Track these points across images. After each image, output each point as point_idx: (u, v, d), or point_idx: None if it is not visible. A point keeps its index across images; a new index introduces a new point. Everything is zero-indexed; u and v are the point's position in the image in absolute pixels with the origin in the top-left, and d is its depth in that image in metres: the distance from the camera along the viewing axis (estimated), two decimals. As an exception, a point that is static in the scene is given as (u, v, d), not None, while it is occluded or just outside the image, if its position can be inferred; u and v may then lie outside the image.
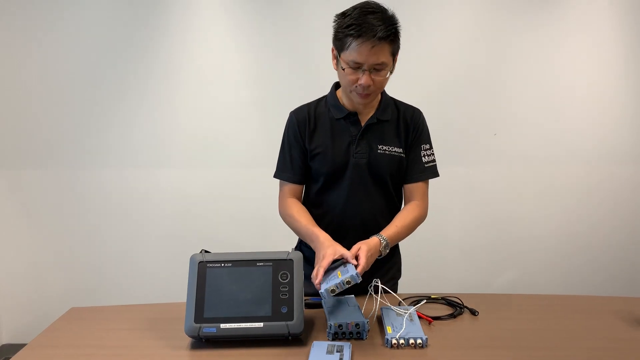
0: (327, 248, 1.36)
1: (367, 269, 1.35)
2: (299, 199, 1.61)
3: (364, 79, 1.39)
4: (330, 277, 1.30)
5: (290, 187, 1.59)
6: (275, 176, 1.62)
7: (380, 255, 1.44)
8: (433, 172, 1.60)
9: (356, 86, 1.42)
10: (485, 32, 2.73)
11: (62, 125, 2.78)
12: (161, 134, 2.79)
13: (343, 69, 1.41)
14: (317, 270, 1.31)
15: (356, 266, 1.30)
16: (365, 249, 1.35)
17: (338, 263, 1.36)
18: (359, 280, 1.25)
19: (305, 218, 1.53)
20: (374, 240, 1.42)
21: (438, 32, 2.73)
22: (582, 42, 2.73)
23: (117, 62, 2.73)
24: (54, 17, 2.70)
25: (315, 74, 2.59)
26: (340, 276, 1.26)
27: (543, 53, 2.73)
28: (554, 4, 2.70)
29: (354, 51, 1.36)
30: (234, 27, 2.73)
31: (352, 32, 1.35)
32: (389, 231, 1.48)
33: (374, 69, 1.39)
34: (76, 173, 2.81)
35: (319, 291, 1.27)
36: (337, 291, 1.24)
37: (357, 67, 1.39)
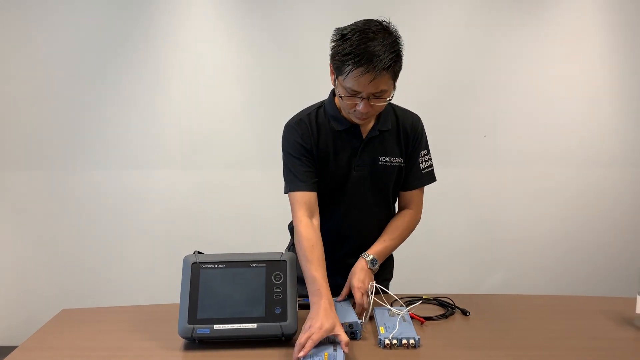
0: (327, 321, 1.22)
1: (367, 298, 1.39)
2: (313, 211, 1.45)
3: (362, 107, 1.33)
4: (315, 356, 1.17)
5: (302, 196, 1.44)
6: (285, 192, 1.49)
7: (374, 271, 1.47)
8: (430, 178, 1.59)
9: (354, 110, 1.36)
10: (475, 35, 2.75)
11: (52, 126, 2.76)
12: (153, 135, 2.78)
13: (341, 97, 1.36)
14: (306, 341, 1.18)
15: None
16: (357, 286, 1.41)
17: (330, 339, 1.24)
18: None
19: (317, 258, 1.36)
20: (359, 265, 1.46)
21: (428, 35, 2.74)
22: (573, 46, 2.75)
23: (109, 63, 2.72)
24: (46, 16, 2.68)
25: (308, 75, 2.59)
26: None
27: (533, 56, 2.76)
28: (545, 7, 2.73)
29: (353, 80, 1.28)
30: (226, 29, 2.72)
31: (350, 61, 1.26)
32: (376, 248, 1.51)
33: (373, 96, 1.32)
34: (67, 174, 2.79)
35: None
36: None
37: (355, 94, 1.32)
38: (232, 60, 2.75)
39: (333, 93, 1.50)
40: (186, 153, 2.79)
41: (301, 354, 1.16)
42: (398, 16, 2.75)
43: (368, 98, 1.32)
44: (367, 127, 1.49)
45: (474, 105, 2.80)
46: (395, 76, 1.34)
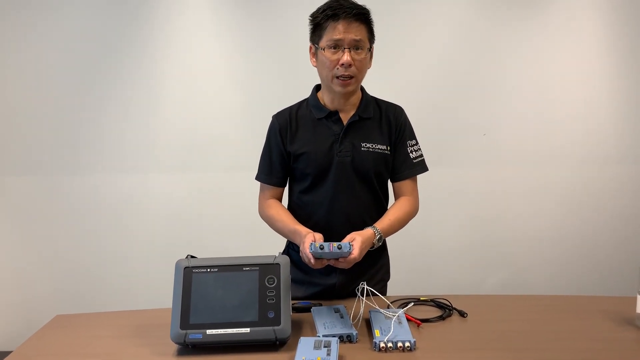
0: (305, 237, 1.38)
1: (359, 260, 1.35)
2: (279, 200, 1.64)
3: (345, 57, 1.42)
4: None
5: (270, 189, 1.62)
6: (256, 178, 1.64)
7: (373, 247, 1.45)
8: (422, 167, 1.61)
9: (337, 68, 1.44)
10: (475, 33, 2.73)
11: (49, 130, 2.75)
12: (150, 138, 2.77)
13: (323, 49, 1.45)
14: (307, 255, 1.33)
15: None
16: (360, 240, 1.36)
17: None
18: (350, 249, 1.31)
19: (286, 217, 1.54)
20: (368, 232, 1.43)
21: (428, 33, 2.73)
22: (571, 43, 2.73)
23: (106, 67, 2.71)
24: (41, 20, 2.68)
25: (306, 78, 2.57)
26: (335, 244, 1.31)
27: (532, 54, 2.74)
28: (544, 6, 2.71)
29: (332, 30, 1.43)
30: (222, 31, 2.72)
31: (327, 13, 1.43)
32: (383, 224, 1.49)
33: (353, 47, 1.43)
34: (64, 178, 2.79)
35: (309, 249, 1.31)
36: (325, 250, 1.29)
37: (337, 45, 1.43)
38: (229, 63, 2.74)
39: (315, 88, 1.61)
40: (183, 156, 2.79)
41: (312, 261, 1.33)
42: (397, 15, 2.76)
43: (349, 49, 1.42)
44: (348, 114, 1.55)
45: (473, 103, 2.78)
46: (370, 34, 1.47)
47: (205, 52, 2.73)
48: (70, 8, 2.67)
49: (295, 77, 2.65)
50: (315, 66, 1.53)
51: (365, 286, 1.37)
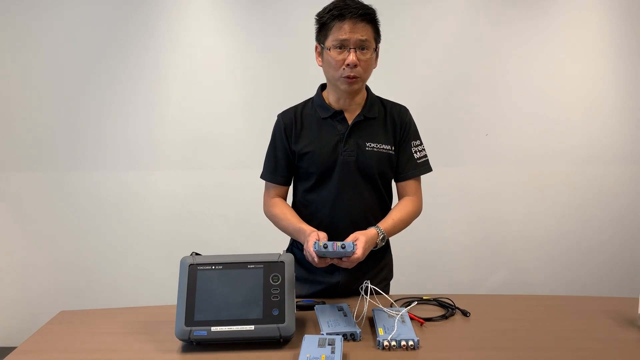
0: (309, 235, 1.38)
1: (362, 259, 1.35)
2: (283, 199, 1.64)
3: (350, 57, 1.42)
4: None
5: (275, 188, 1.62)
6: (261, 177, 1.64)
7: (376, 247, 1.45)
8: (426, 168, 1.62)
9: (343, 68, 1.44)
10: (477, 33, 2.74)
11: (52, 128, 2.76)
12: (153, 136, 2.78)
13: (329, 49, 1.45)
14: (310, 254, 1.33)
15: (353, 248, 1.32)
16: (363, 240, 1.36)
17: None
18: (354, 249, 1.30)
19: (291, 215, 1.55)
20: (371, 231, 1.43)
21: (430, 33, 2.73)
22: (574, 44, 2.75)
23: (108, 64, 2.72)
24: (43, 17, 2.68)
25: (308, 75, 2.58)
26: (338, 244, 1.31)
27: (535, 54, 2.75)
28: (547, 6, 2.71)
29: (338, 30, 1.43)
30: (225, 28, 2.72)
31: (334, 13, 1.43)
32: (386, 224, 1.49)
33: (359, 47, 1.43)
34: (66, 175, 2.80)
35: (312, 247, 1.30)
36: (328, 249, 1.29)
37: (342, 45, 1.43)
38: (231, 61, 2.75)
39: (320, 87, 1.60)
40: (185, 154, 2.79)
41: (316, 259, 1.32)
42: (399, 16, 2.76)
43: (355, 49, 1.42)
44: (353, 113, 1.55)
45: (475, 103, 2.79)
46: (376, 34, 1.48)
47: (209, 50, 2.74)
48: (73, 4, 2.68)
49: (299, 76, 2.67)
50: (321, 65, 1.53)
51: (369, 285, 1.37)
